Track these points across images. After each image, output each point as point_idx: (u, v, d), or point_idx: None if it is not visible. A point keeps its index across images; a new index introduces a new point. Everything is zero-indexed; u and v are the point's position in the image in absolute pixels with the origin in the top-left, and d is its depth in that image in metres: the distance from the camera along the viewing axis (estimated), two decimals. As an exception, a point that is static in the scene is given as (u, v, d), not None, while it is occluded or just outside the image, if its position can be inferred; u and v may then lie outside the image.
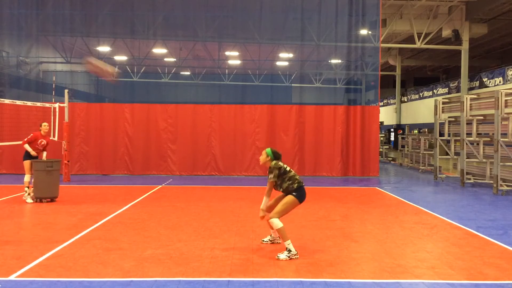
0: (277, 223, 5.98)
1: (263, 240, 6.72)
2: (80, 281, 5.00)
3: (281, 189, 6.21)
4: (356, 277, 5.25)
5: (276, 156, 6.27)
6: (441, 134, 16.44)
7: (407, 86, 45.51)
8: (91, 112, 16.39)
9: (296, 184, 6.14)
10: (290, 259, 5.82)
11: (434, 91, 34.35)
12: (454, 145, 15.52)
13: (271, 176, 6.13)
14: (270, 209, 6.35)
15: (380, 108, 19.89)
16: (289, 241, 5.91)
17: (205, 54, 21.93)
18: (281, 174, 6.15)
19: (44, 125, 10.73)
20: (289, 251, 5.87)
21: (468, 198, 11.71)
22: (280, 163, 6.22)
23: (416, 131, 32.98)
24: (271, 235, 6.68)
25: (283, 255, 5.86)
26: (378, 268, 5.58)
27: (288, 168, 6.24)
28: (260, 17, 18.36)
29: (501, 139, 12.00)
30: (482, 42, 30.66)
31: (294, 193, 6.11)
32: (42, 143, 10.69)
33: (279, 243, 6.53)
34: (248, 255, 6.07)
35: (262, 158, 6.32)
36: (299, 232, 7.42)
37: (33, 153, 10.44)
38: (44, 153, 10.78)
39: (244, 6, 18.39)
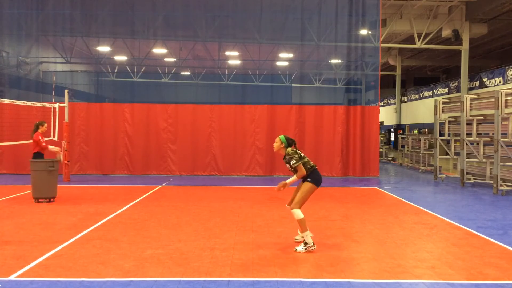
0: (298, 213, 6.18)
1: (296, 238, 6.77)
2: (80, 281, 5.01)
3: (293, 171, 6.43)
4: (356, 277, 5.25)
5: (289, 142, 6.48)
6: (441, 134, 16.43)
7: (407, 86, 45.49)
8: (91, 112, 16.39)
9: (309, 170, 6.36)
10: (307, 251, 6.08)
11: (434, 91, 34.35)
12: (454, 145, 15.52)
13: (293, 162, 6.27)
14: (291, 201, 6.51)
15: (380, 108, 19.89)
16: (307, 232, 6.15)
17: (205, 54, 21.92)
18: (299, 159, 6.35)
19: (45, 125, 11.26)
20: (306, 243, 6.13)
21: (468, 198, 11.71)
22: (296, 149, 6.46)
23: (416, 131, 32.99)
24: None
25: (300, 248, 6.13)
26: (378, 268, 5.58)
27: (302, 154, 6.48)
28: (260, 17, 18.35)
29: (501, 139, 12.00)
30: (482, 42, 30.65)
31: (309, 179, 6.35)
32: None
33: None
34: (248, 255, 6.07)
35: (276, 145, 6.50)
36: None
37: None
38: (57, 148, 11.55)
39: (244, 6, 18.37)
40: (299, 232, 6.66)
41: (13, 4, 17.64)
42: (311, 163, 6.49)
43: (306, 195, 6.31)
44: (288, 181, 6.35)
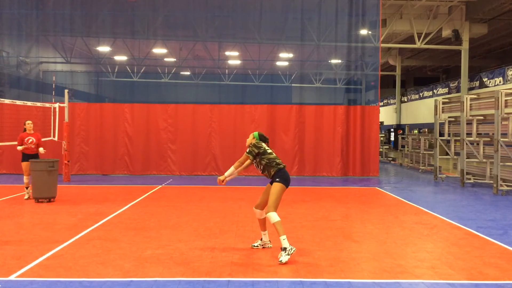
0: (274, 217, 5.86)
1: (253, 245, 6.46)
2: (80, 281, 5.01)
3: (260, 170, 6.27)
4: (356, 277, 5.25)
5: (261, 138, 6.34)
6: (441, 134, 16.43)
7: (407, 86, 45.49)
8: (91, 112, 16.39)
9: (275, 167, 6.11)
10: (289, 255, 5.68)
11: (434, 91, 34.35)
12: (454, 145, 15.52)
13: (248, 150, 6.16)
14: (262, 205, 6.31)
15: (380, 108, 19.88)
16: (284, 236, 5.76)
17: (205, 54, 21.91)
18: (260, 154, 6.14)
19: (28, 123, 10.65)
20: (285, 249, 5.69)
21: (468, 198, 11.71)
22: (262, 144, 6.23)
23: (416, 131, 32.97)
24: (261, 239, 6.48)
25: (283, 258, 5.67)
26: (378, 268, 5.58)
27: (269, 150, 6.23)
28: (260, 17, 18.35)
29: (501, 139, 12.00)
30: (482, 42, 30.64)
31: (277, 179, 6.06)
32: (30, 141, 10.54)
33: (270, 247, 6.40)
34: (248, 255, 6.07)
35: (249, 140, 6.34)
36: (299, 232, 7.42)
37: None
38: (40, 149, 10.59)
39: (244, 6, 18.38)
40: (263, 236, 6.44)
41: (13, 4, 17.64)
42: (278, 161, 6.18)
43: (278, 196, 5.99)
44: (226, 173, 6.26)
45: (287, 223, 8.09)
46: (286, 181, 6.08)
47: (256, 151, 6.14)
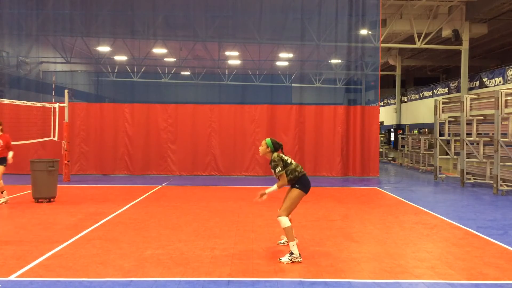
0: (284, 221, 5.83)
1: (280, 242, 6.59)
2: (80, 281, 5.01)
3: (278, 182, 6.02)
4: (356, 277, 5.25)
5: (276, 146, 6.02)
6: (441, 134, 16.43)
7: (407, 86, 45.48)
8: (91, 112, 16.40)
9: (297, 176, 5.93)
10: (292, 262, 5.68)
11: (434, 91, 34.35)
12: (454, 145, 15.52)
13: (279, 169, 5.86)
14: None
15: (380, 108, 19.88)
16: (293, 243, 5.77)
17: (205, 54, 21.91)
18: (284, 166, 5.93)
19: None
20: (291, 253, 5.74)
21: (468, 198, 11.71)
22: (282, 155, 6.02)
23: (416, 131, 32.98)
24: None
25: (284, 258, 5.74)
26: (378, 268, 5.58)
27: (289, 160, 6.02)
28: (260, 17, 18.35)
29: (501, 139, 12.00)
30: (482, 42, 30.63)
31: (297, 185, 5.93)
32: None
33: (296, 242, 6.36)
34: (248, 255, 6.07)
35: (262, 149, 6.07)
36: (299, 232, 7.41)
37: None
38: (10, 153, 9.86)
39: (244, 6, 18.37)
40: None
41: (13, 4, 17.64)
42: (299, 168, 6.00)
43: (294, 202, 5.92)
44: (267, 191, 5.93)
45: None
46: (305, 188, 5.97)
47: (283, 164, 5.91)
